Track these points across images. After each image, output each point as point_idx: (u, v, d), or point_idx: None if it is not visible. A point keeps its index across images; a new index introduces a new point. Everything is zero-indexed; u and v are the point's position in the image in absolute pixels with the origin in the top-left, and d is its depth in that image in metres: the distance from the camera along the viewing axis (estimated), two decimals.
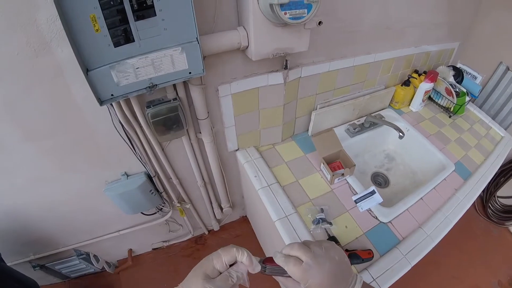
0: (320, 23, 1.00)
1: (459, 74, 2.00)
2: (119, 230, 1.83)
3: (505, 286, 2.18)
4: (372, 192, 1.27)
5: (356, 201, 1.28)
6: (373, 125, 1.65)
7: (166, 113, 1.07)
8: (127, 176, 1.43)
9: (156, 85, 0.93)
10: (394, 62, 1.63)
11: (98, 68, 0.82)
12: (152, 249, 2.26)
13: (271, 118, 1.40)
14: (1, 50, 0.83)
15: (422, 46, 1.72)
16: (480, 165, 1.58)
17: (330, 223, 1.19)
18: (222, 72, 1.15)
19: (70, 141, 1.17)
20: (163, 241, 2.21)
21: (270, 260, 0.60)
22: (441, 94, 1.86)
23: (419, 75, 1.81)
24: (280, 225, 1.19)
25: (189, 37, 0.87)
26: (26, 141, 1.11)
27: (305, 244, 0.60)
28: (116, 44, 0.80)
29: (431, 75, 1.72)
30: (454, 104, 1.79)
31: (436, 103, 1.93)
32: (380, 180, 1.62)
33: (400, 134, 1.42)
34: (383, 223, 1.24)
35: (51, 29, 0.83)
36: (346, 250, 1.11)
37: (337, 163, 1.39)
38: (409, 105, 1.90)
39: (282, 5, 0.84)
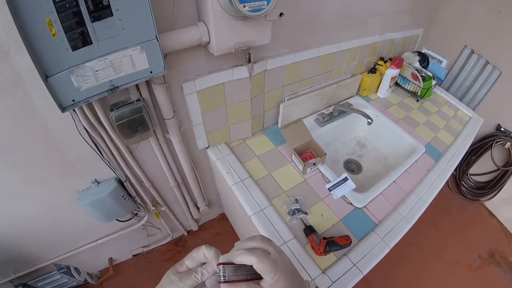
0: (281, 14, 0.99)
1: (424, 59, 2.05)
2: (97, 240, 1.80)
3: (485, 258, 2.26)
4: (345, 179, 1.29)
5: (329, 189, 1.29)
6: (342, 113, 1.67)
7: (130, 115, 1.05)
8: (98, 183, 1.39)
9: (117, 87, 0.90)
10: (359, 51, 1.66)
11: (57, 74, 0.80)
12: (133, 255, 2.23)
13: (239, 113, 1.40)
14: None
15: (386, 34, 1.76)
16: (450, 145, 1.62)
17: (306, 213, 1.20)
18: (185, 69, 1.13)
19: (35, 153, 1.14)
20: (143, 247, 2.18)
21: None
22: (407, 79, 1.90)
23: (385, 62, 1.84)
24: (256, 219, 1.19)
25: (148, 36, 0.85)
26: None
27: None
28: (74, 48, 0.78)
29: (396, 61, 1.76)
30: (421, 88, 1.84)
31: (403, 88, 1.97)
32: (352, 167, 1.64)
33: (369, 120, 1.44)
34: (358, 208, 1.26)
35: (8, 36, 0.80)
36: (324, 238, 1.12)
37: (308, 153, 1.40)
38: (377, 91, 1.93)
39: None
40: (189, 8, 0.98)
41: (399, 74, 1.89)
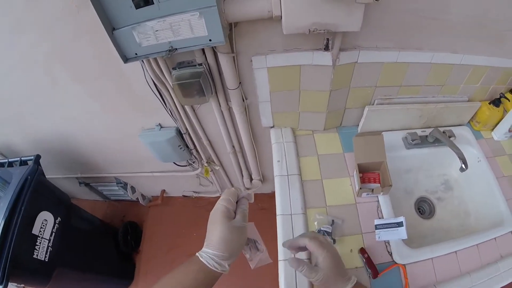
0: None
1: None
2: (153, 172, 1.94)
3: None
4: (399, 224, 1.08)
5: (376, 227, 1.10)
6: (438, 141, 1.39)
7: (189, 78, 1.06)
8: (161, 127, 1.54)
9: (175, 49, 0.93)
10: (487, 72, 1.31)
11: (121, 28, 0.87)
12: (183, 195, 2.37)
13: (313, 102, 1.25)
14: (48, 5, 0.97)
15: None
16: None
17: (334, 240, 1.06)
18: (257, 42, 1.02)
19: (111, 86, 1.31)
20: (194, 192, 2.32)
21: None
22: None
23: None
24: (281, 221, 1.10)
25: (207, 2, 0.81)
26: (74, 83, 1.31)
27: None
28: (137, 6, 0.82)
29: None
30: None
31: None
32: (425, 208, 1.40)
33: (463, 166, 1.17)
34: (396, 263, 1.06)
35: None
36: None
37: (374, 175, 1.22)
38: (492, 130, 1.56)
39: None
40: None
41: None
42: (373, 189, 1.14)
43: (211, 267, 0.63)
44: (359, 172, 1.19)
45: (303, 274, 0.71)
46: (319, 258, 0.70)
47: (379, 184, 1.18)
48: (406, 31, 1.06)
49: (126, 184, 2.14)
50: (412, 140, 1.37)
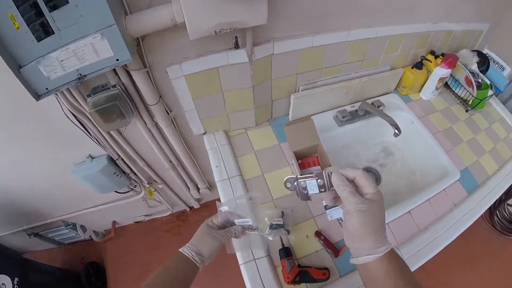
0: None
1: (484, 62, 1.72)
2: (97, 205, 1.89)
3: None
4: None
5: (325, 207, 1.12)
6: (368, 113, 1.47)
7: (104, 103, 1.04)
8: (92, 158, 1.49)
9: (84, 75, 0.90)
10: (404, 39, 1.40)
11: (27, 65, 0.84)
12: (135, 222, 2.34)
13: (239, 101, 1.26)
14: None
15: (442, 23, 1.46)
16: (491, 177, 1.38)
17: (288, 231, 1.07)
18: (169, 52, 1.02)
19: (29, 127, 1.23)
20: (145, 215, 2.28)
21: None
22: (459, 83, 1.63)
23: (436, 57, 1.58)
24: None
25: (106, 22, 0.80)
26: None
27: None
28: (38, 39, 0.80)
29: (449, 59, 1.49)
30: (473, 98, 1.57)
31: (453, 92, 1.70)
32: None
33: (396, 131, 1.24)
34: None
35: None
36: (299, 266, 1.01)
37: (312, 158, 1.26)
38: (420, 91, 1.68)
39: None
40: None
41: (451, 75, 1.62)
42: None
43: (189, 257, 0.81)
44: (297, 159, 1.23)
45: (343, 195, 0.61)
46: (370, 191, 0.60)
47: (319, 166, 1.23)
48: (317, 15, 1.11)
49: (75, 224, 2.06)
50: (343, 117, 1.44)
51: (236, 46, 1.04)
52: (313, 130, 1.26)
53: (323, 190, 0.63)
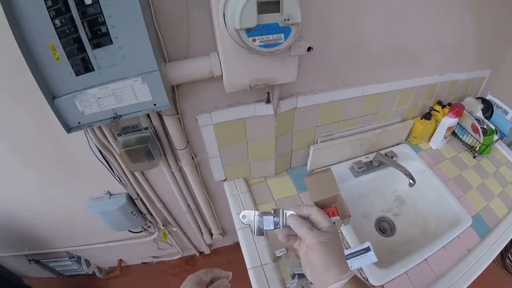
0: (309, 49, 0.87)
1: (488, 108, 1.80)
2: (107, 242, 1.85)
3: None
4: (367, 249, 1.13)
5: (346, 257, 1.14)
6: (382, 163, 1.51)
7: (136, 144, 1.04)
8: (110, 195, 1.47)
9: (120, 115, 0.89)
10: (413, 92, 1.47)
11: (62, 97, 0.82)
12: (142, 262, 2.26)
13: (261, 150, 1.30)
14: None
15: (447, 74, 1.54)
16: (502, 219, 1.40)
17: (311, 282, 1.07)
18: (201, 101, 1.06)
19: (52, 157, 1.21)
20: (153, 257, 2.22)
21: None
22: (466, 130, 1.70)
23: (443, 107, 1.65)
24: (253, 275, 1.10)
25: (149, 67, 0.81)
26: (10, 152, 1.17)
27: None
28: (77, 73, 0.79)
29: (456, 108, 1.56)
30: (480, 144, 1.62)
31: (461, 140, 1.76)
32: (385, 227, 1.48)
33: (411, 181, 1.27)
34: (374, 286, 1.10)
35: None
36: None
37: (332, 209, 1.27)
38: (429, 140, 1.73)
39: (248, 30, 0.72)
40: (204, 34, 0.89)
41: (458, 123, 1.68)
42: (334, 223, 1.18)
43: None
44: None
45: (301, 232, 0.61)
46: (325, 224, 0.62)
47: (338, 217, 1.23)
48: (335, 72, 1.18)
49: (79, 258, 2.00)
50: (359, 168, 1.48)
51: (268, 101, 1.09)
52: (332, 181, 1.28)
53: (278, 226, 0.64)
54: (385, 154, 1.51)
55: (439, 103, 1.67)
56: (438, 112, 1.63)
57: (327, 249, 0.59)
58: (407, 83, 1.40)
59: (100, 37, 0.74)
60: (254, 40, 0.74)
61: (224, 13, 0.75)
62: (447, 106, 1.64)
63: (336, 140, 1.41)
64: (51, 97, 0.81)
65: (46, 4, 0.68)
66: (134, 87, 0.84)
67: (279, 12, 0.71)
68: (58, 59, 0.75)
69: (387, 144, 1.63)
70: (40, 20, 0.70)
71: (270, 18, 0.71)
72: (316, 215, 0.63)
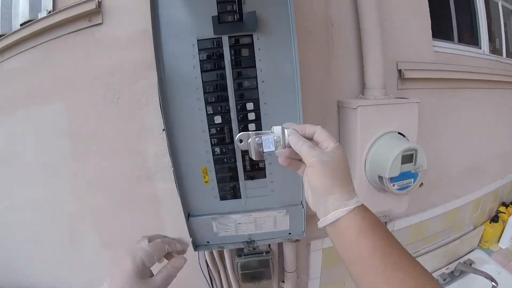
0: (421, 185, 1.00)
1: None
2: None
3: None
4: None
5: None
6: (462, 272, 1.55)
7: (257, 267, 1.08)
8: None
9: (254, 241, 0.94)
10: (482, 200, 1.59)
11: (200, 216, 0.87)
12: None
13: None
14: (104, 164, 0.97)
15: (508, 176, 1.68)
16: None
17: None
18: (315, 227, 1.11)
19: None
20: None
21: None
22: None
23: (507, 207, 1.75)
24: None
25: (294, 200, 0.89)
26: (102, 247, 1.16)
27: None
28: (222, 198, 0.86)
29: None
30: None
31: None
32: None
33: (493, 283, 1.34)
34: None
35: (157, 163, 0.93)
36: None
37: None
38: (498, 241, 1.78)
39: (392, 178, 0.88)
40: None
41: None
42: None
43: None
44: None
45: (302, 150, 0.51)
46: (331, 144, 0.52)
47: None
48: (424, 196, 1.30)
49: None
50: (444, 280, 1.52)
51: None
52: None
53: (279, 147, 0.56)
54: (464, 263, 1.56)
55: (503, 204, 1.77)
56: (505, 213, 1.72)
57: (330, 169, 0.49)
58: (476, 194, 1.52)
59: (256, 171, 0.83)
60: (394, 185, 0.91)
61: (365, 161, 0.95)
62: (510, 205, 1.75)
63: (423, 256, 1.48)
64: (187, 214, 0.86)
65: (209, 131, 0.78)
66: (276, 217, 0.90)
67: (412, 162, 0.91)
68: (207, 182, 0.83)
69: (462, 252, 1.68)
70: (200, 146, 0.79)
71: (407, 167, 0.90)
72: (321, 134, 0.54)
